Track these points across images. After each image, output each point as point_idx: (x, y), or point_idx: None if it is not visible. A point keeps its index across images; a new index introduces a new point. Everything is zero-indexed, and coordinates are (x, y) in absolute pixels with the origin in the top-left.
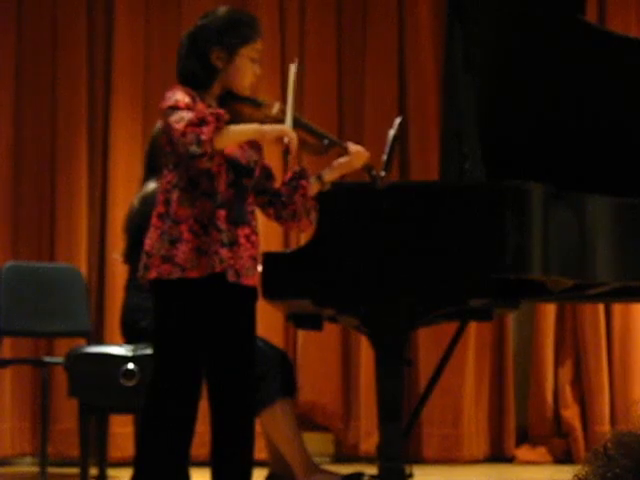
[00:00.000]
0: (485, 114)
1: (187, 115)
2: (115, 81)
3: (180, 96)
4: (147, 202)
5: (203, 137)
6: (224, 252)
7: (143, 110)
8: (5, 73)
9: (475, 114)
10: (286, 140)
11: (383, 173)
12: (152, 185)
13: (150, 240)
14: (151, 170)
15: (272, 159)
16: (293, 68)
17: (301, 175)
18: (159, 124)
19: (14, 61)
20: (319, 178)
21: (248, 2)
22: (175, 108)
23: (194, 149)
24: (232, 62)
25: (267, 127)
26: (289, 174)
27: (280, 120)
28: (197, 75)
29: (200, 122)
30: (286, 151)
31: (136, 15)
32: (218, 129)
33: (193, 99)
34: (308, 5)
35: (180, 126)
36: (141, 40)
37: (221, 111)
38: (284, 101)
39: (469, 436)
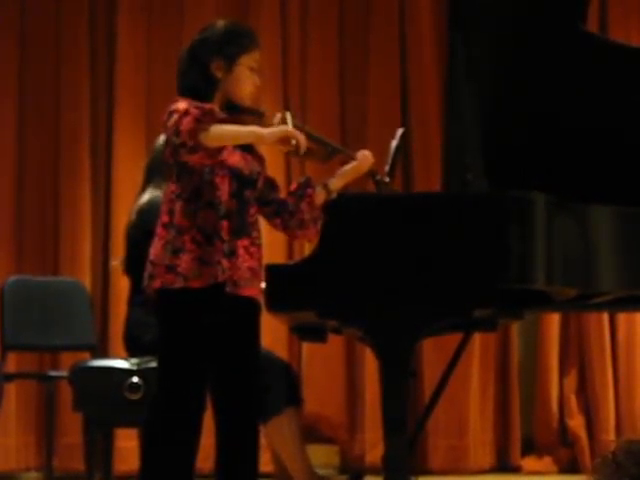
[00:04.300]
0: (487, 124)
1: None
2: (118, 97)
3: (180, 104)
4: (142, 213)
5: (181, 127)
6: (225, 262)
7: (146, 126)
8: (8, 90)
9: (477, 125)
10: (293, 142)
11: (387, 179)
12: (146, 196)
13: (155, 250)
14: (147, 182)
15: (274, 171)
16: (289, 116)
17: (307, 184)
18: (161, 138)
19: (17, 78)
20: (325, 186)
21: (250, 13)
22: (174, 112)
23: (173, 139)
24: (231, 72)
25: (266, 130)
26: (295, 184)
27: None
28: (198, 87)
29: (184, 113)
30: (294, 152)
31: (138, 31)
32: (199, 122)
33: None
34: (310, 16)
35: (171, 123)
36: (143, 56)
37: (210, 106)
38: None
39: (475, 447)
